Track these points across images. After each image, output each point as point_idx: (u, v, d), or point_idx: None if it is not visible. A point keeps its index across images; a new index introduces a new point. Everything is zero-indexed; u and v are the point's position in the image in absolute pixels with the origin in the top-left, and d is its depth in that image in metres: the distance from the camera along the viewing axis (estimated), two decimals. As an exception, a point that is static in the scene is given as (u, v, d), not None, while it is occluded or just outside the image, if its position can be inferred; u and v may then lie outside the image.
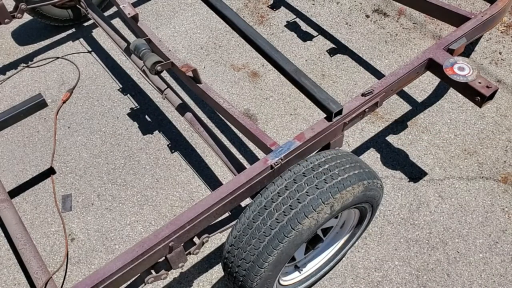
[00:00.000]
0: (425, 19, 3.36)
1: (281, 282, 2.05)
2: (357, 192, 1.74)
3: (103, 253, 2.41)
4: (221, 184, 2.61)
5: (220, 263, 2.34)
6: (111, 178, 2.68)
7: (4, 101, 3.06)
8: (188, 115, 2.32)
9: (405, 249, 2.36)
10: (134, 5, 3.55)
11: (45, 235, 2.49)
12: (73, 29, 3.47)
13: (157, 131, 2.87)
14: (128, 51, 2.61)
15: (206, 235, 1.83)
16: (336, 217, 2.08)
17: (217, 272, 2.34)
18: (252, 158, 2.72)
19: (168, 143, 2.81)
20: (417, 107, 2.90)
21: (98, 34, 3.43)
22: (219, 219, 1.85)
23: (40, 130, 2.91)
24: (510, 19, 3.34)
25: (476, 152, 2.68)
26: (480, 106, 2.04)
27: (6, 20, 2.79)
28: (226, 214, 1.93)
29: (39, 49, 3.34)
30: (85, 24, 3.50)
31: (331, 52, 3.22)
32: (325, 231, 2.12)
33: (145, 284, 1.75)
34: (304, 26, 3.39)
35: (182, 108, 2.35)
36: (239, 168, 2.09)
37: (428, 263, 2.32)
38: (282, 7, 3.52)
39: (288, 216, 1.63)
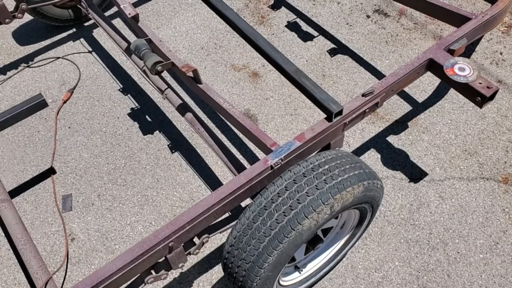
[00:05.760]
0: (425, 19, 3.36)
1: (281, 283, 2.05)
2: (357, 192, 1.74)
3: (103, 253, 2.41)
4: (221, 184, 2.61)
5: (220, 264, 2.34)
6: (111, 178, 2.68)
7: (4, 101, 3.07)
8: (189, 115, 2.32)
9: (405, 250, 2.36)
10: (135, 5, 3.55)
11: (45, 235, 2.49)
12: (74, 29, 3.47)
13: (157, 131, 2.87)
14: (128, 51, 2.61)
15: (206, 235, 1.83)
16: (336, 218, 2.08)
17: (217, 272, 2.34)
18: (252, 159, 2.72)
19: (168, 143, 2.81)
20: (418, 108, 2.90)
21: (99, 34, 3.43)
22: (219, 219, 1.85)
23: (40, 130, 2.91)
24: (511, 19, 3.33)
25: (476, 153, 2.68)
26: (480, 107, 2.04)
27: (6, 20, 2.79)
28: (226, 215, 1.93)
29: (40, 49, 3.35)
30: (86, 24, 3.50)
31: (332, 53, 3.22)
32: (325, 231, 2.12)
33: (145, 284, 1.75)
34: (304, 26, 3.39)
35: (183, 108, 2.35)
36: (239, 168, 2.09)
37: (428, 263, 2.31)
38: (283, 7, 3.52)
39: (288, 216, 1.63)
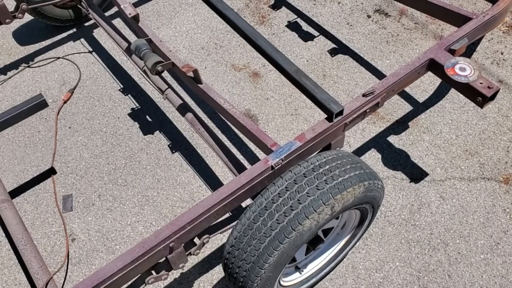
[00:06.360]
0: (426, 19, 3.36)
1: (282, 283, 2.05)
2: (358, 193, 1.73)
3: (104, 254, 2.41)
4: (221, 184, 2.61)
5: (221, 264, 2.34)
6: (112, 179, 2.67)
7: (5, 101, 3.07)
8: (189, 115, 2.32)
9: (406, 250, 2.36)
10: (135, 5, 3.55)
11: (45, 235, 2.49)
12: (74, 29, 3.47)
13: (158, 132, 2.87)
14: (129, 51, 2.61)
15: (206, 235, 1.83)
16: (337, 218, 2.08)
17: (217, 272, 2.34)
18: (253, 159, 2.72)
19: (169, 144, 2.81)
20: (418, 108, 2.90)
21: (99, 34, 3.43)
22: (220, 219, 1.84)
23: (41, 130, 2.91)
24: (511, 19, 3.33)
25: (477, 153, 2.68)
26: (481, 107, 2.04)
27: (7, 20, 2.79)
28: (227, 215, 1.92)
29: (40, 49, 3.35)
30: (86, 24, 3.50)
31: (332, 52, 3.21)
32: (326, 232, 2.12)
33: (145, 285, 1.75)
34: (305, 26, 3.39)
35: (183, 109, 2.35)
36: (240, 168, 2.08)
37: (429, 264, 2.31)
38: (283, 7, 3.52)
39: (289, 217, 1.63)
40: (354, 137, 2.78)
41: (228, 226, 1.91)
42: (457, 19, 2.40)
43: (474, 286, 2.24)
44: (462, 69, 2.06)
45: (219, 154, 2.17)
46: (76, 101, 3.04)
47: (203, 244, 1.83)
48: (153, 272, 1.76)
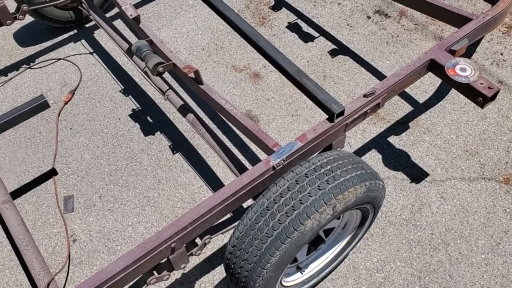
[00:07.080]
0: (426, 20, 3.36)
1: (283, 283, 2.05)
2: (359, 193, 1.74)
3: (105, 254, 2.41)
4: (223, 185, 2.61)
5: (222, 264, 2.34)
6: (113, 179, 2.68)
7: (6, 103, 3.07)
8: (190, 116, 2.32)
9: (407, 250, 2.36)
10: (136, 6, 3.56)
11: (47, 236, 2.49)
12: (75, 31, 3.47)
13: (159, 132, 2.88)
14: (130, 53, 2.61)
15: (208, 236, 1.83)
16: (338, 218, 2.08)
17: (219, 273, 2.34)
18: (254, 159, 2.72)
19: (170, 144, 2.81)
20: (419, 108, 2.90)
21: (100, 35, 3.44)
22: (221, 220, 1.85)
23: (42, 131, 2.92)
24: (511, 20, 3.33)
25: (478, 153, 2.68)
26: (482, 107, 2.04)
27: (8, 22, 2.80)
28: (228, 215, 1.93)
29: (41, 51, 3.35)
30: (87, 25, 3.51)
31: (333, 53, 3.22)
32: (327, 232, 2.12)
33: (147, 285, 1.75)
34: (305, 27, 3.40)
35: (184, 109, 2.36)
36: (241, 169, 2.09)
37: (430, 264, 2.31)
38: (284, 8, 3.52)
39: (291, 217, 1.63)
40: (355, 138, 2.79)
41: (229, 227, 1.91)
42: (457, 20, 2.41)
43: (475, 286, 2.24)
44: (463, 70, 2.06)
45: (220, 155, 2.17)
46: (77, 102, 3.05)
47: (205, 244, 1.84)
48: (154, 272, 1.76)
